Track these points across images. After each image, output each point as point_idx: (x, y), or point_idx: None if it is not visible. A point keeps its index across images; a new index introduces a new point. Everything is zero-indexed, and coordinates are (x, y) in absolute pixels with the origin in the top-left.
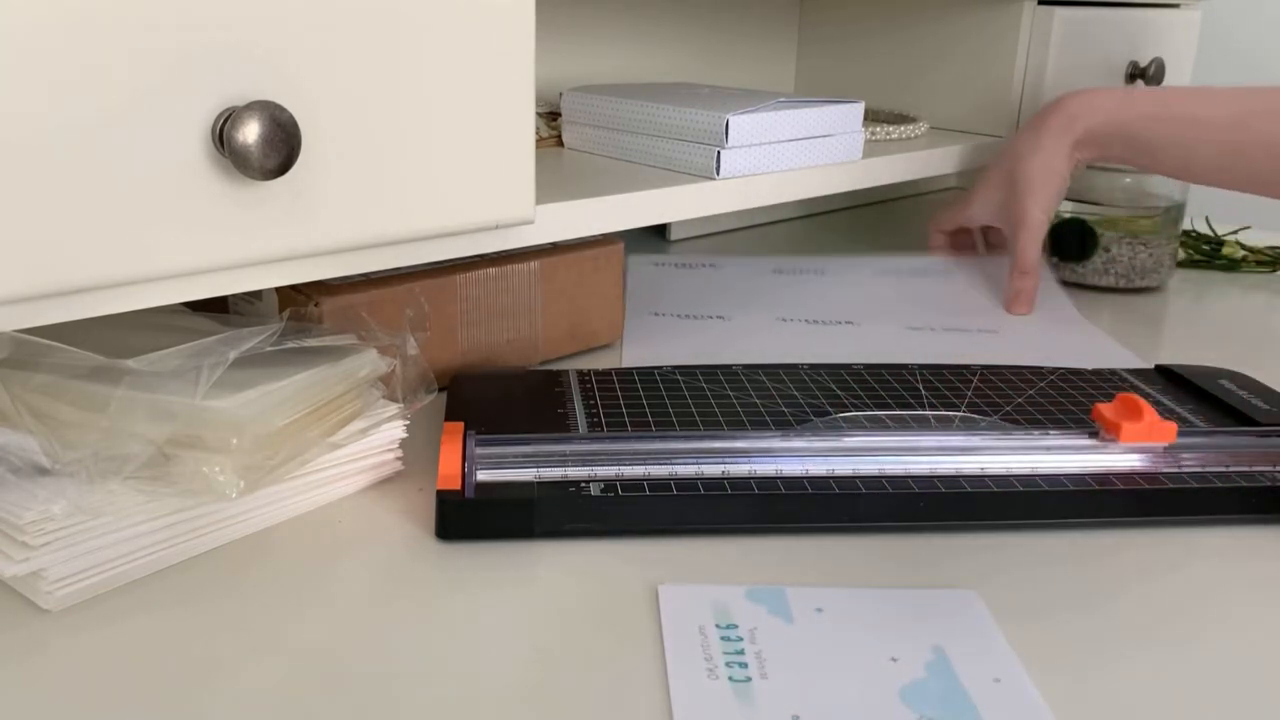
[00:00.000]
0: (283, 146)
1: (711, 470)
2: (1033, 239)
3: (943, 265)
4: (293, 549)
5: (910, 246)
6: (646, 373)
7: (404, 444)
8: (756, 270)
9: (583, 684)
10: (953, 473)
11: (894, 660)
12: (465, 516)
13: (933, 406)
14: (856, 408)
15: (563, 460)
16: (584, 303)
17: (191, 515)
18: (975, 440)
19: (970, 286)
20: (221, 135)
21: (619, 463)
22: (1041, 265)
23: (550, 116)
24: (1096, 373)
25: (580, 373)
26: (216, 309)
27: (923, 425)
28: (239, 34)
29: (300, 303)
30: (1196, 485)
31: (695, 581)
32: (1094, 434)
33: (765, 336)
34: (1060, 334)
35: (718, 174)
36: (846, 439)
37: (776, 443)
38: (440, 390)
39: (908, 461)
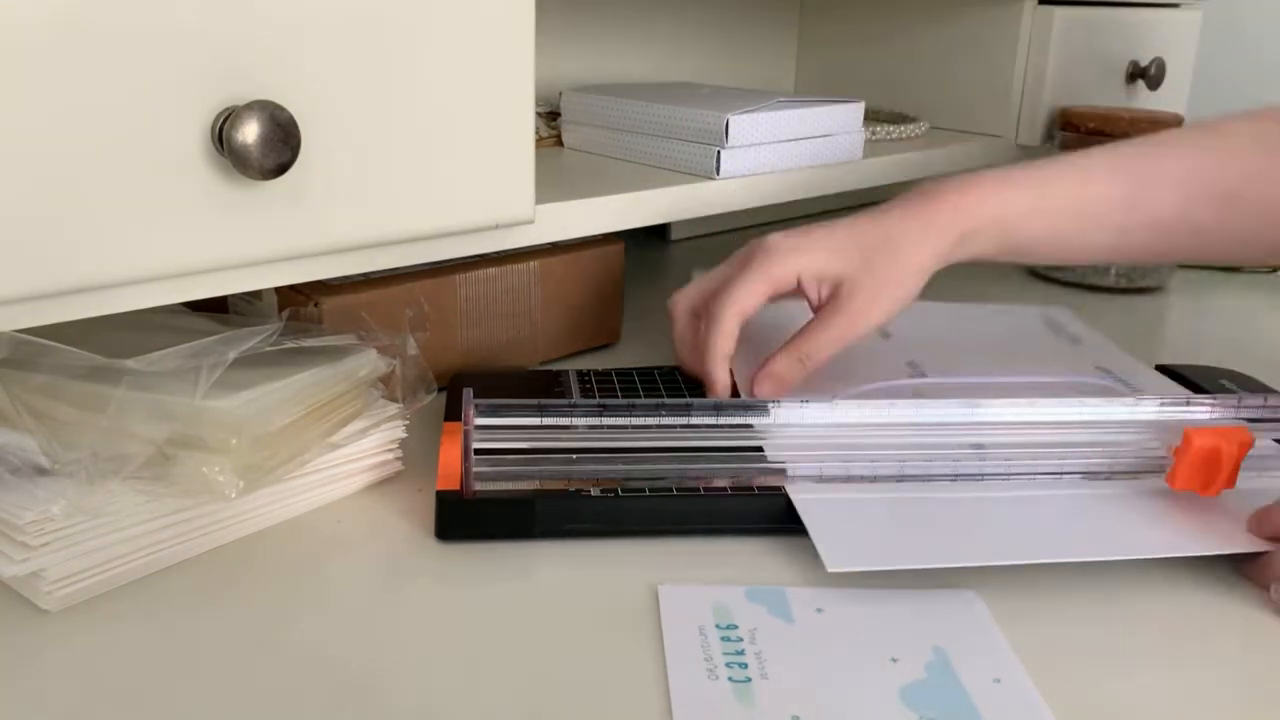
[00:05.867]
0: (282, 146)
1: None
2: (849, 335)
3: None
4: (293, 549)
5: None
6: (646, 373)
7: (404, 444)
8: None
9: (583, 684)
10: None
11: (894, 660)
12: (465, 517)
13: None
14: None
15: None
16: (584, 303)
17: (191, 515)
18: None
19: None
20: (221, 135)
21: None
22: None
23: (550, 116)
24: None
25: (580, 373)
26: (216, 309)
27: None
28: (238, 34)
29: (300, 303)
30: None
31: (695, 581)
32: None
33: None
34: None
35: (718, 174)
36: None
37: None
38: (440, 390)
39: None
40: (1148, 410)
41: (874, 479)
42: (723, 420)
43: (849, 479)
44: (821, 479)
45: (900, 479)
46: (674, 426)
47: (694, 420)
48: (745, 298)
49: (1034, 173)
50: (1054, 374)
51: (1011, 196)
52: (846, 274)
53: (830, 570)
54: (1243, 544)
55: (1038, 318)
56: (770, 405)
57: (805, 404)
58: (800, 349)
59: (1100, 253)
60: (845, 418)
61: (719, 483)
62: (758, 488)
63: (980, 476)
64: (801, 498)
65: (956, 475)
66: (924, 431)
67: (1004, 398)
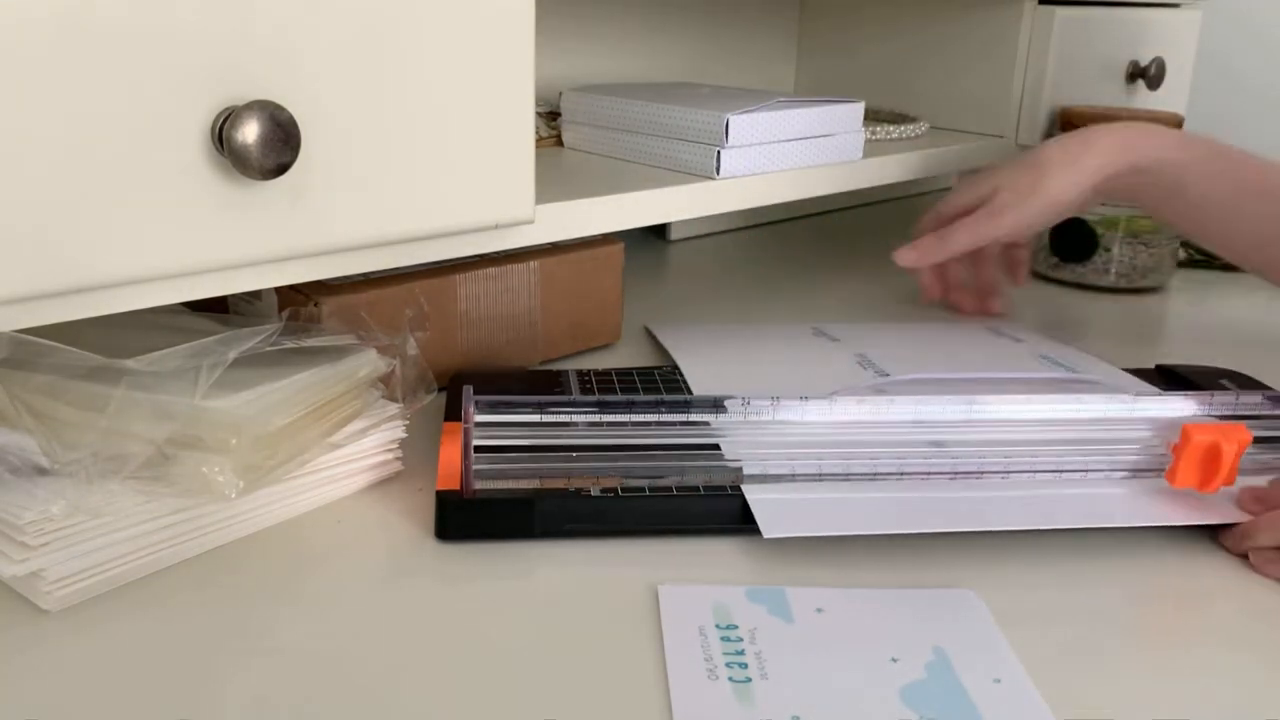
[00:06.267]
0: (282, 146)
1: None
2: (984, 232)
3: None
4: (292, 549)
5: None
6: (646, 373)
7: (404, 444)
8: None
9: (583, 684)
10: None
11: (894, 660)
12: (465, 516)
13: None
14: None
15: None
16: (584, 303)
17: (191, 515)
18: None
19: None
20: (221, 135)
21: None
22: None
23: (550, 116)
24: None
25: (580, 373)
26: (216, 309)
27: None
28: (238, 34)
29: (300, 303)
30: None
31: (695, 581)
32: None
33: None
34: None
35: (718, 174)
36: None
37: None
38: (440, 390)
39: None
40: (1147, 408)
41: (874, 476)
42: (720, 418)
43: (848, 476)
44: (821, 477)
45: (901, 476)
46: (674, 424)
47: (693, 417)
48: (946, 202)
49: (1210, 142)
50: (1003, 368)
51: (1189, 143)
52: (1000, 183)
53: (766, 536)
54: (1215, 516)
55: (980, 327)
56: (769, 404)
57: (805, 401)
58: (945, 232)
59: (1257, 249)
60: (844, 415)
61: (719, 481)
62: None
63: (980, 474)
64: (755, 497)
65: (956, 474)
66: (924, 430)
67: (975, 393)
